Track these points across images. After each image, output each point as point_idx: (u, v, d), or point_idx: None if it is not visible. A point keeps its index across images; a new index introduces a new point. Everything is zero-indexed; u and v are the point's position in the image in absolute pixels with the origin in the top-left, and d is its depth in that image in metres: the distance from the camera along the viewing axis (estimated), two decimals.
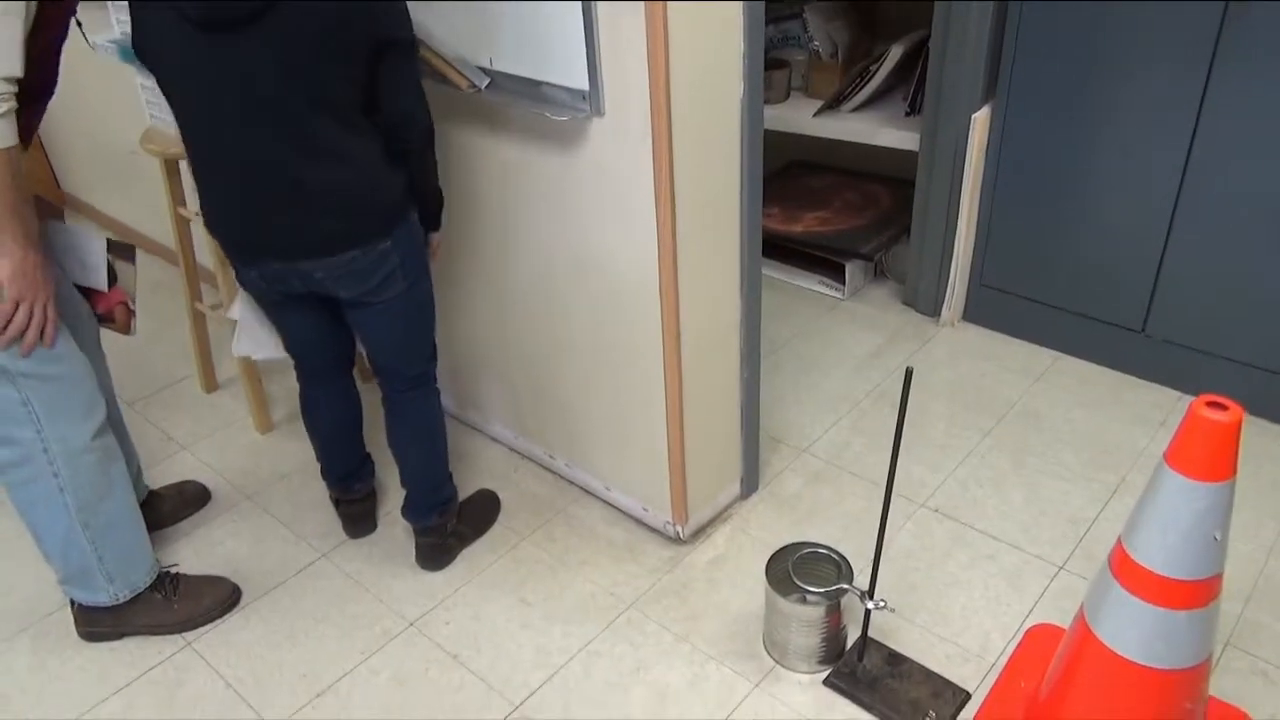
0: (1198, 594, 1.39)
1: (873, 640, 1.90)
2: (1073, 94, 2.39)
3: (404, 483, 2.10)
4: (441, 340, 2.47)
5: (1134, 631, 1.44)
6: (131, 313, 2.06)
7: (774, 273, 3.19)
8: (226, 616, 2.07)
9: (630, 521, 2.25)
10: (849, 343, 2.86)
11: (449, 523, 2.13)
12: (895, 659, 1.87)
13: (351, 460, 2.18)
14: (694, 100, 1.69)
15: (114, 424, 2.06)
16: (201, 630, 2.04)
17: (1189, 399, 2.52)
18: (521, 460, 2.47)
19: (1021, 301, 2.74)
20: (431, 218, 1.92)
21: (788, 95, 3.12)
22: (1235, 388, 2.44)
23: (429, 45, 1.86)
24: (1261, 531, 2.13)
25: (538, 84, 1.78)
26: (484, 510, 2.26)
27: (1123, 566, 1.44)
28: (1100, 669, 1.49)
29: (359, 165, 1.68)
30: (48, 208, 2.08)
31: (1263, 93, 2.12)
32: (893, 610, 1.93)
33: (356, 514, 2.23)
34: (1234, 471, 1.33)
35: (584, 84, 1.70)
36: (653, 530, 2.21)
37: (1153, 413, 2.49)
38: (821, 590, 1.79)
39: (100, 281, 1.97)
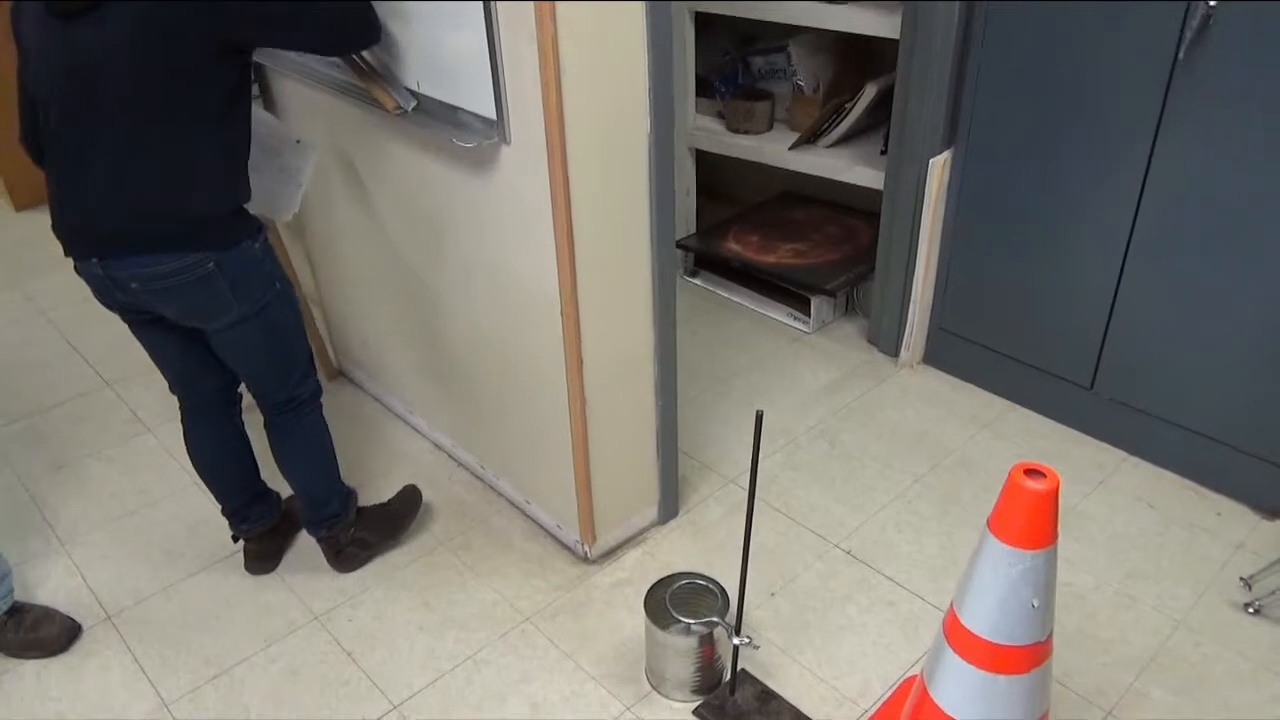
0: (1018, 660, 1.39)
1: (749, 675, 1.91)
2: (1030, 145, 2.37)
3: (294, 498, 2.16)
4: (391, 340, 2.55)
5: (960, 694, 1.45)
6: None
7: (745, 301, 3.21)
8: (150, 596, 2.17)
9: (547, 537, 2.30)
10: (804, 376, 2.87)
11: (342, 534, 2.18)
12: (767, 695, 1.88)
13: (238, 498, 2.13)
14: (594, 135, 1.73)
15: None
16: (125, 604, 2.15)
17: (1134, 460, 2.49)
18: (456, 467, 2.53)
19: (978, 348, 2.71)
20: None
21: (770, 126, 3.14)
22: (1178, 453, 2.39)
23: (362, 60, 1.94)
24: (1175, 602, 2.08)
25: (455, 110, 1.85)
26: (394, 517, 2.28)
27: (952, 629, 1.45)
28: None
29: (184, 172, 1.65)
30: None
31: (1207, 154, 2.08)
32: (756, 647, 1.94)
33: (253, 551, 2.20)
34: (1053, 539, 1.33)
35: (492, 113, 1.76)
36: (565, 547, 2.26)
37: (1093, 472, 2.45)
38: (690, 622, 1.81)
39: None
